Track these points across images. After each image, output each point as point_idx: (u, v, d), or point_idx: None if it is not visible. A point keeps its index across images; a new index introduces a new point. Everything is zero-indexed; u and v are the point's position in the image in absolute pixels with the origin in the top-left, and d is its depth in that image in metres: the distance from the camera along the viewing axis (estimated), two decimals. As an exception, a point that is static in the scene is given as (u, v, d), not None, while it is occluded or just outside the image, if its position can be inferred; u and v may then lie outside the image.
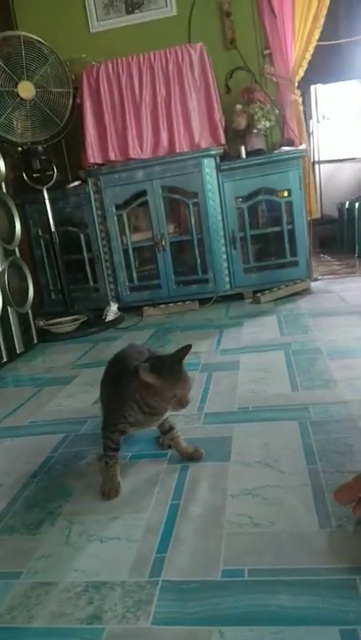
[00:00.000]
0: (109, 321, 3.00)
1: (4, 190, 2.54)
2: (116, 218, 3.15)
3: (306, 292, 3.10)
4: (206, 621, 0.77)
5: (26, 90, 2.72)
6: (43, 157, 2.86)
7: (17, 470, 1.34)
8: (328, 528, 0.94)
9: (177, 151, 3.04)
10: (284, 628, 0.74)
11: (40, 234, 3.27)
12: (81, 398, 1.83)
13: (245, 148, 3.11)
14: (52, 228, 3.00)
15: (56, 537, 1.03)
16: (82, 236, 3.26)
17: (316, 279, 3.37)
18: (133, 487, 1.18)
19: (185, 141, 3.06)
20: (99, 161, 3.11)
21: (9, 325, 2.48)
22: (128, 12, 3.39)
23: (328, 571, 0.84)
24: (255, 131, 3.22)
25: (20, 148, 2.86)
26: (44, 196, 2.97)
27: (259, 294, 3.05)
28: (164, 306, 3.17)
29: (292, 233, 3.11)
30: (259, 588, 0.82)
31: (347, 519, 0.95)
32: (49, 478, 1.28)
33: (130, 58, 3.01)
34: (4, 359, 2.40)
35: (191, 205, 3.10)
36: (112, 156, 3.07)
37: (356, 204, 4.31)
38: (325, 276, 3.54)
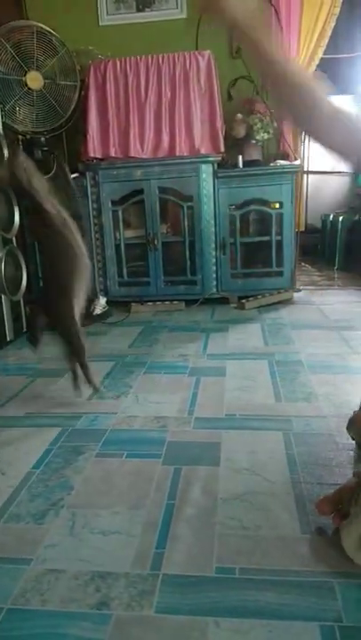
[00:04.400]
0: (97, 314, 3.06)
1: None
2: (111, 213, 3.20)
3: (288, 301, 3.23)
4: (204, 612, 0.88)
5: (34, 80, 2.74)
6: (44, 148, 2.89)
7: (18, 460, 1.42)
8: (308, 535, 1.07)
9: (177, 154, 3.10)
10: (272, 621, 0.86)
11: (34, 222, 3.29)
12: (74, 392, 1.91)
13: (243, 158, 3.20)
14: (48, 219, 3.02)
15: (61, 528, 1.12)
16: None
17: (299, 290, 3.51)
18: (131, 485, 1.27)
19: (185, 145, 3.13)
20: (99, 155, 3.14)
21: (1, 313, 2.52)
22: (138, 10, 3.41)
23: (309, 573, 0.96)
24: (253, 141, 3.31)
25: (21, 137, 2.87)
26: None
27: (243, 300, 3.16)
28: (151, 304, 3.25)
29: (279, 244, 3.23)
30: (249, 586, 0.94)
31: (325, 527, 1.08)
32: (49, 471, 1.36)
33: (138, 58, 3.04)
34: (-5, 346, 2.45)
35: (186, 208, 3.18)
36: (112, 153, 3.12)
37: (340, 218, 4.46)
38: (307, 287, 3.69)
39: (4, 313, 2.55)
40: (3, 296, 2.52)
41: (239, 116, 3.32)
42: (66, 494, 1.24)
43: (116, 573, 0.98)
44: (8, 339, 2.59)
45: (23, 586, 0.95)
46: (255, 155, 3.35)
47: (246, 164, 3.20)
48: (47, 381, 2.05)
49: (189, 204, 3.16)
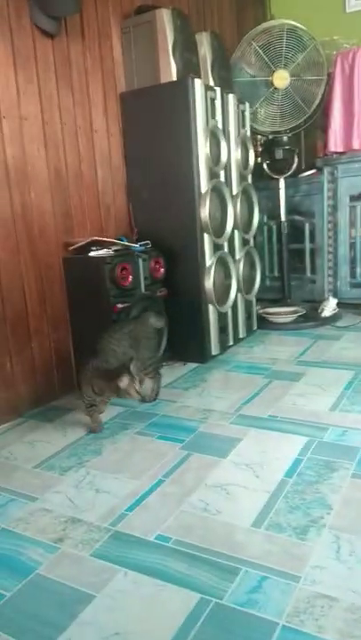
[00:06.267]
0: (326, 317, 2.94)
1: (250, 181, 2.62)
2: (348, 209, 3.03)
3: None
4: None
5: (281, 79, 2.73)
6: (286, 147, 2.87)
7: (269, 465, 1.42)
8: None
9: None
10: None
11: (265, 221, 3.32)
12: (314, 401, 1.85)
13: None
14: (282, 217, 3.02)
15: (326, 549, 1.07)
16: (306, 225, 3.22)
17: None
18: None
19: None
20: (340, 149, 3.00)
21: (236, 311, 2.61)
22: (393, -14, 3.12)
23: None
24: None
25: (262, 137, 2.90)
26: (277, 184, 3.00)
27: None
28: (386, 308, 2.98)
29: None
30: None
31: None
32: (303, 482, 1.32)
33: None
34: (230, 342, 2.55)
35: None
36: (356, 145, 2.93)
37: None
38: None
39: (239, 311, 2.63)
40: (239, 295, 2.60)
41: None
42: (325, 513, 1.19)
43: None
44: (240, 336, 2.67)
45: (296, 605, 0.93)
46: None
47: None
48: (284, 384, 2.03)
49: None
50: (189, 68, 2.27)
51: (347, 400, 1.82)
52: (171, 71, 2.19)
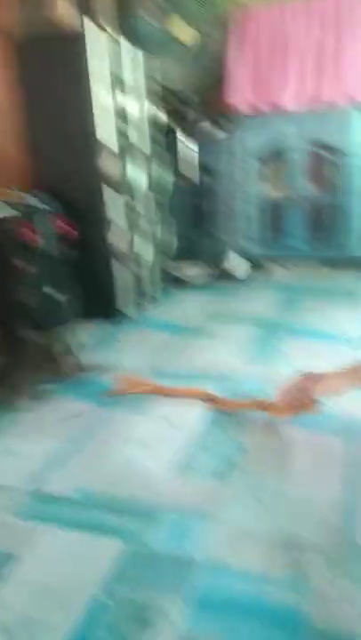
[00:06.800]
0: (233, 274, 3.04)
1: (158, 139, 2.58)
2: (252, 169, 3.11)
3: None
4: None
5: (183, 32, 2.68)
6: (194, 106, 2.85)
7: (184, 415, 1.48)
8: None
9: (330, 104, 2.87)
10: None
11: (175, 180, 3.28)
12: (223, 354, 1.92)
13: None
14: (192, 177, 3.02)
15: (243, 489, 1.15)
16: (215, 185, 3.25)
17: None
18: (307, 456, 1.27)
19: (340, 93, 2.87)
20: (244, 109, 3.03)
21: (149, 271, 2.60)
22: None
23: None
24: None
25: (171, 95, 2.85)
26: (186, 143, 2.97)
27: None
28: (290, 265, 3.15)
29: None
30: None
31: None
32: (218, 429, 1.39)
33: (292, 3, 2.82)
34: (143, 302, 2.54)
35: (336, 163, 2.97)
36: (258, 105, 2.98)
37: None
38: None
39: (151, 271, 2.63)
40: (152, 254, 2.59)
41: None
42: (241, 455, 1.27)
43: (309, 542, 0.98)
44: (153, 294, 2.67)
45: (217, 542, 1.00)
46: None
47: None
48: (195, 340, 2.09)
49: (341, 158, 2.94)
50: (88, 14, 2.13)
51: (253, 352, 1.92)
52: (67, 15, 2.04)
